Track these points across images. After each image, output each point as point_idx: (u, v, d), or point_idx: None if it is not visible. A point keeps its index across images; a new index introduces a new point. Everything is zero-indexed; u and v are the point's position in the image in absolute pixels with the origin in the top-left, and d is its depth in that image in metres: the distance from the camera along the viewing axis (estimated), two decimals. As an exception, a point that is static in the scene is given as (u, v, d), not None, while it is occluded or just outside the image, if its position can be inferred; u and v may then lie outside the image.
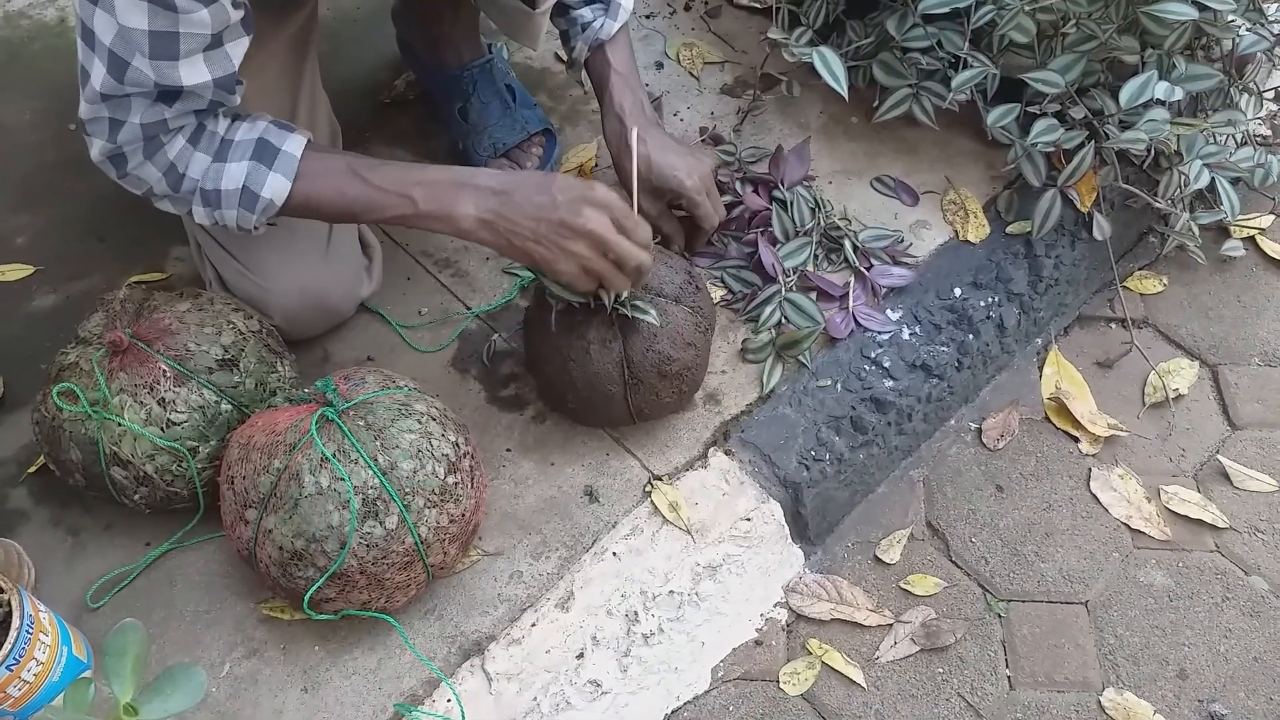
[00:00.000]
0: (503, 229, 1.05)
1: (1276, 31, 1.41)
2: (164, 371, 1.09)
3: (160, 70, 0.95)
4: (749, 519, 1.21)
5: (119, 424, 1.07)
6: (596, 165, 1.50)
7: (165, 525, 1.17)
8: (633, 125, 1.23)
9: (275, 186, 1.05)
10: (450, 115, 1.50)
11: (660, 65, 1.64)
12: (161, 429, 1.08)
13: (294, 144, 1.05)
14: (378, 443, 1.02)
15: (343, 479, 0.99)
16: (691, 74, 1.63)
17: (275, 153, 1.04)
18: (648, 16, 1.71)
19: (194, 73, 0.97)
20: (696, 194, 1.26)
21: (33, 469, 1.22)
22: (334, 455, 1.00)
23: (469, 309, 1.36)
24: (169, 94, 0.98)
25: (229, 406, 1.12)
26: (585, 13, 1.27)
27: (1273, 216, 1.58)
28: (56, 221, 1.47)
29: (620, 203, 1.06)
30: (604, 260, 1.05)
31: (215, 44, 0.97)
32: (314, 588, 1.01)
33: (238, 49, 1.00)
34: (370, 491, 1.00)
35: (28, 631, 0.99)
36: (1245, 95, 1.50)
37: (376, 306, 1.35)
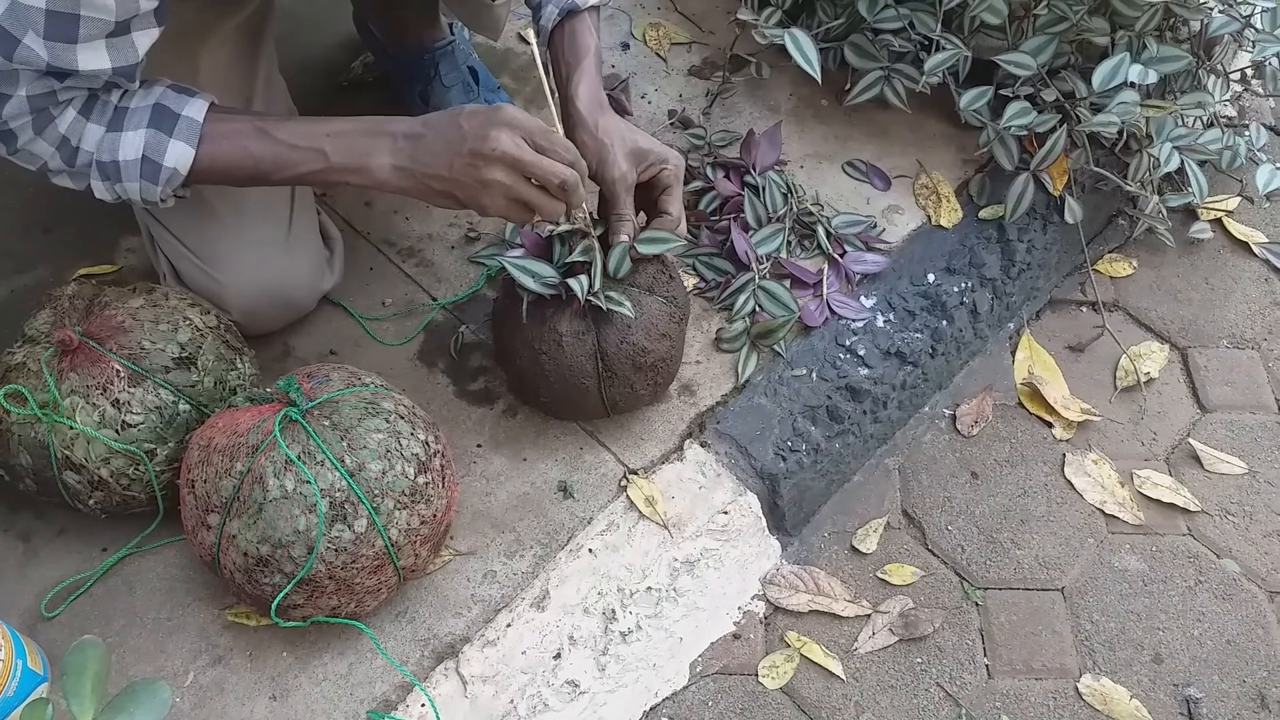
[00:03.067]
0: (420, 174, 1.00)
1: (1245, 13, 1.40)
2: (117, 371, 1.04)
3: (55, 51, 0.88)
4: (726, 512, 1.20)
5: (71, 427, 1.03)
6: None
7: (123, 530, 1.12)
8: (602, 93, 1.12)
9: (178, 154, 0.98)
10: (411, 99, 1.45)
11: (626, 46, 1.61)
12: (116, 431, 1.04)
13: (195, 108, 0.99)
14: (344, 443, 0.99)
15: (309, 482, 0.96)
16: (658, 55, 1.60)
17: (175, 119, 0.98)
18: (613, -4, 1.67)
19: (92, 58, 0.91)
20: (681, 170, 1.13)
21: (-21, 473, 1.17)
22: (299, 457, 0.97)
23: (435, 300, 1.33)
24: (60, 73, 0.92)
25: (187, 406, 1.07)
26: None
27: (1239, 198, 1.59)
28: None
29: (532, 119, 0.99)
30: (527, 185, 0.99)
31: (120, 31, 0.91)
32: (281, 595, 0.98)
33: (145, 38, 0.93)
34: (338, 494, 0.97)
35: (-21, 646, 0.95)
36: (1212, 77, 1.50)
37: (339, 299, 1.31)
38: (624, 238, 1.09)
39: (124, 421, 1.04)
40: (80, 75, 0.92)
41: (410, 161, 1.00)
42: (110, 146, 0.98)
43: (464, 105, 1.02)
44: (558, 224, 1.12)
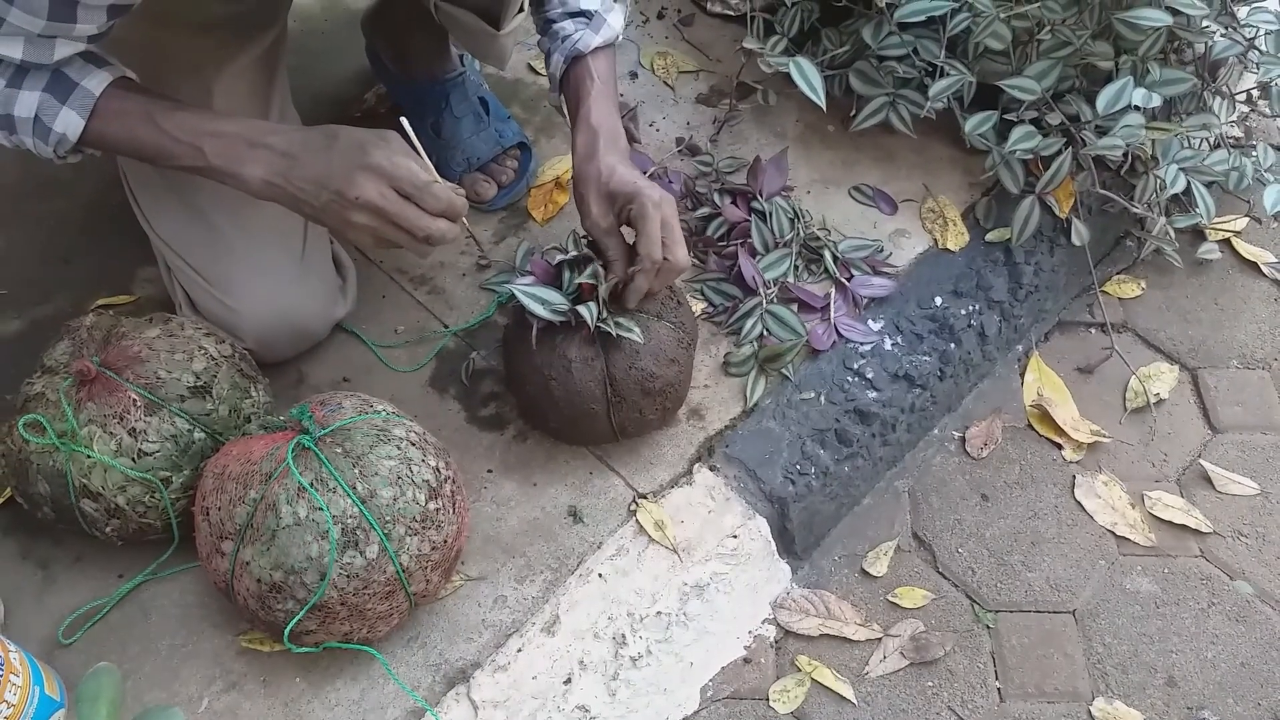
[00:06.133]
0: (291, 194, 1.00)
1: (1249, 35, 1.41)
2: (134, 400, 1.06)
3: None
4: (735, 536, 1.20)
5: (88, 455, 1.04)
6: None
7: (139, 557, 1.14)
8: (600, 136, 1.12)
9: (68, 122, 0.99)
10: (423, 130, 1.47)
11: (634, 75, 1.63)
12: (133, 460, 1.05)
13: (95, 80, 1.00)
14: (356, 470, 1.00)
15: (321, 509, 0.97)
16: (666, 84, 1.62)
17: (71, 88, 0.99)
18: (621, 25, 1.69)
19: (5, 47, 0.94)
20: (651, 204, 1.07)
21: (-1, 501, 1.19)
22: (311, 484, 0.98)
23: (446, 327, 1.34)
24: None
25: (202, 435, 1.09)
26: (566, 25, 1.18)
27: (1247, 219, 1.59)
28: (19, 244, 1.43)
29: (402, 168, 0.98)
30: (394, 229, 0.99)
31: (44, 38, 0.94)
32: (294, 621, 0.99)
33: (67, 48, 0.97)
34: (350, 521, 0.98)
35: (-3, 673, 0.96)
36: (1218, 98, 1.50)
37: (352, 326, 1.33)
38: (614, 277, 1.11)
39: (140, 450, 1.06)
40: None
41: (283, 180, 1.00)
42: (7, 101, 0.99)
43: (338, 132, 1.01)
44: (566, 250, 1.14)
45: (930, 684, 1.19)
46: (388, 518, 0.99)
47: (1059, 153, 1.38)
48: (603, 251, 1.13)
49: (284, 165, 1.00)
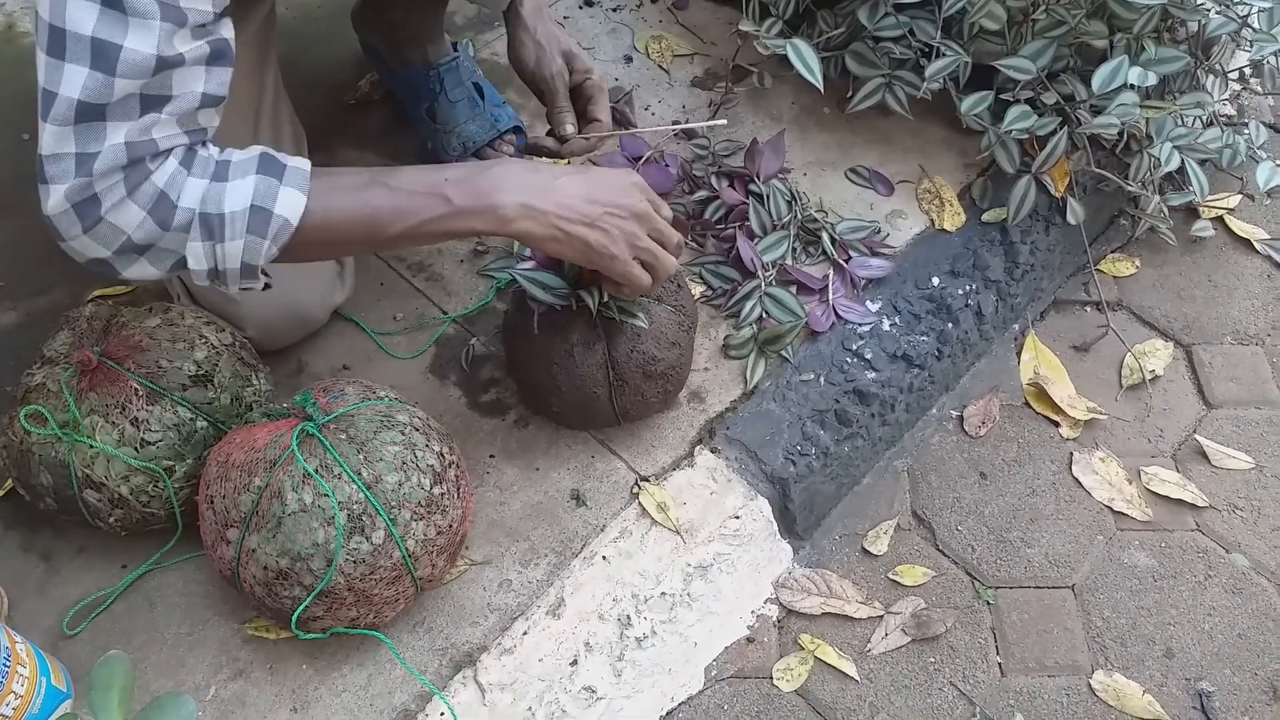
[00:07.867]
0: (551, 215, 0.99)
1: (1242, 13, 1.42)
2: (135, 390, 1.06)
3: (164, 38, 0.83)
4: (737, 516, 1.21)
5: (91, 445, 1.04)
6: (569, 163, 1.48)
7: (142, 546, 1.14)
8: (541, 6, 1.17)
9: (290, 202, 0.92)
10: (417, 116, 1.47)
11: (629, 59, 1.62)
12: (135, 449, 1.05)
13: (300, 161, 0.96)
14: (361, 456, 1.00)
15: (326, 495, 0.97)
16: (661, 67, 1.62)
17: (283, 168, 0.93)
18: (615, 9, 1.69)
19: (189, 77, 0.87)
20: (601, 78, 1.19)
21: (0, 493, 1.18)
22: (316, 471, 0.98)
23: (445, 313, 1.34)
24: (155, 100, 0.86)
25: (205, 424, 1.09)
26: None
27: (1240, 196, 1.60)
28: (15, 235, 1.42)
29: (650, 191, 1.06)
30: (648, 239, 1.04)
31: (214, 53, 0.89)
32: (301, 607, 0.99)
33: (225, 75, 0.92)
34: (355, 506, 0.98)
35: (4, 664, 0.96)
36: (1211, 76, 1.51)
37: (350, 314, 1.32)
38: (569, 129, 1.16)
39: (143, 439, 1.06)
40: (176, 95, 0.87)
41: (540, 200, 0.99)
42: (216, 198, 0.90)
43: (589, 166, 1.10)
44: None
45: (932, 660, 1.21)
46: (393, 503, 1.00)
47: (1054, 132, 1.39)
48: (555, 100, 1.17)
49: (538, 185, 0.99)
